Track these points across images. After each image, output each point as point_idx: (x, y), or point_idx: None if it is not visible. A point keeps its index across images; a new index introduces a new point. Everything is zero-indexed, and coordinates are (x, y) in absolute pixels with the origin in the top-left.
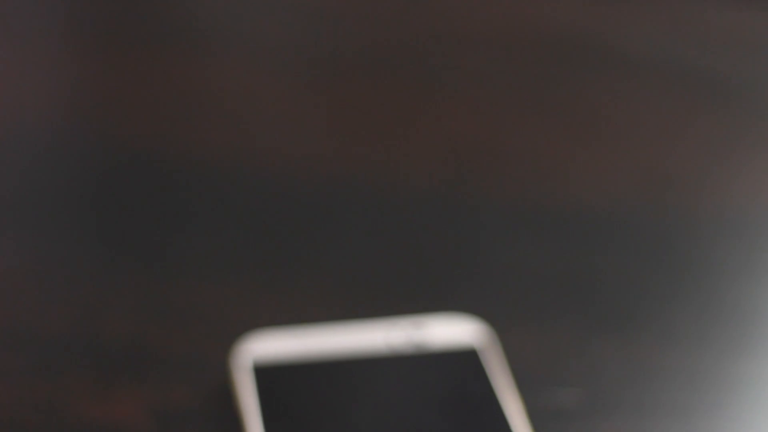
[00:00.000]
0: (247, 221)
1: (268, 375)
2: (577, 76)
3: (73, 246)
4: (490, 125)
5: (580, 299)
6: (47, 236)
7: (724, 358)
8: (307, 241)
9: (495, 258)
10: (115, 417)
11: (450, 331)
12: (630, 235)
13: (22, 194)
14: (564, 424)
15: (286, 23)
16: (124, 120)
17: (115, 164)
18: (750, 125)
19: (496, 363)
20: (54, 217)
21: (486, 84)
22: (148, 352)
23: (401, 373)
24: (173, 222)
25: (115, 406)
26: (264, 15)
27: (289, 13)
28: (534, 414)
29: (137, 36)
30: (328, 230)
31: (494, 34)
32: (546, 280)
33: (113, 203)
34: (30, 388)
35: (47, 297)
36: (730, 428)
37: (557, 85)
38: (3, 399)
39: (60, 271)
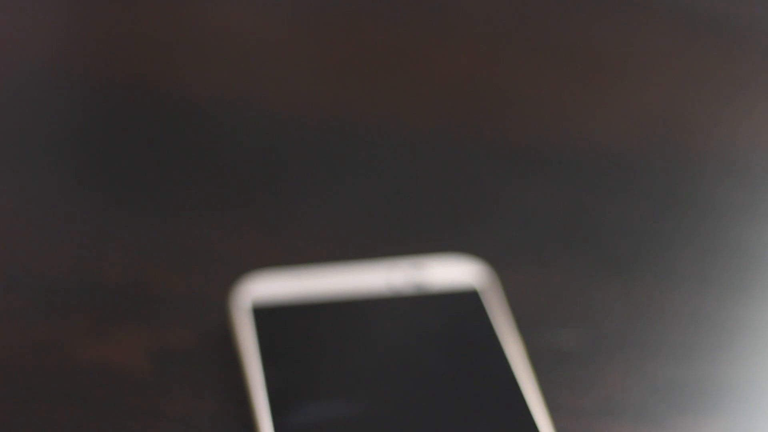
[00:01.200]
0: (247, 163)
1: (267, 316)
2: (580, 16)
3: (71, 188)
4: (491, 66)
5: (582, 241)
6: (45, 178)
7: (726, 300)
8: (307, 183)
9: (496, 199)
10: (113, 358)
11: (450, 271)
12: (633, 177)
13: (20, 137)
14: (566, 365)
15: None
16: (121, 61)
17: (114, 106)
18: (756, 67)
19: (497, 304)
20: (52, 159)
21: (487, 24)
22: (146, 294)
23: (401, 313)
24: (172, 163)
25: (113, 347)
26: None
27: None
28: (535, 355)
29: None
30: (327, 171)
31: None
32: (547, 221)
33: (112, 145)
34: (28, 329)
35: (45, 239)
36: (732, 370)
37: (560, 25)
38: (1, 340)
39: (58, 213)
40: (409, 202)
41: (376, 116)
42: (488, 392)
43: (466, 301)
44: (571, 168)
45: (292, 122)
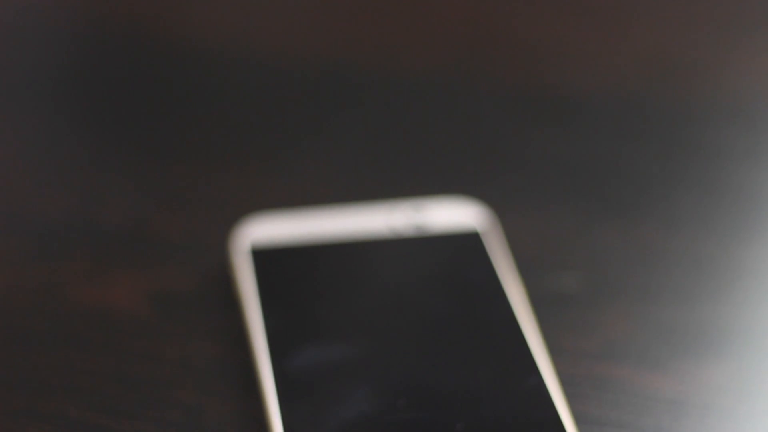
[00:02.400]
0: (247, 105)
1: (266, 258)
2: None
3: (69, 131)
4: (492, 9)
5: (585, 184)
6: (44, 121)
7: (729, 243)
8: (307, 125)
9: (497, 142)
10: (112, 301)
11: (451, 213)
12: (636, 121)
13: (19, 79)
14: (567, 308)
15: None
16: (120, 3)
17: (114, 49)
18: (764, 11)
19: (498, 246)
20: (51, 102)
21: None
22: (145, 237)
23: (402, 255)
24: (171, 106)
25: (112, 290)
26: None
27: None
28: (537, 298)
29: None
30: (328, 114)
31: None
32: (549, 164)
33: (111, 88)
34: (26, 273)
35: (44, 182)
36: (734, 312)
37: None
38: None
39: (57, 157)
40: (411, 145)
41: (378, 59)
42: (489, 335)
43: (467, 243)
44: (573, 111)
45: (292, 65)
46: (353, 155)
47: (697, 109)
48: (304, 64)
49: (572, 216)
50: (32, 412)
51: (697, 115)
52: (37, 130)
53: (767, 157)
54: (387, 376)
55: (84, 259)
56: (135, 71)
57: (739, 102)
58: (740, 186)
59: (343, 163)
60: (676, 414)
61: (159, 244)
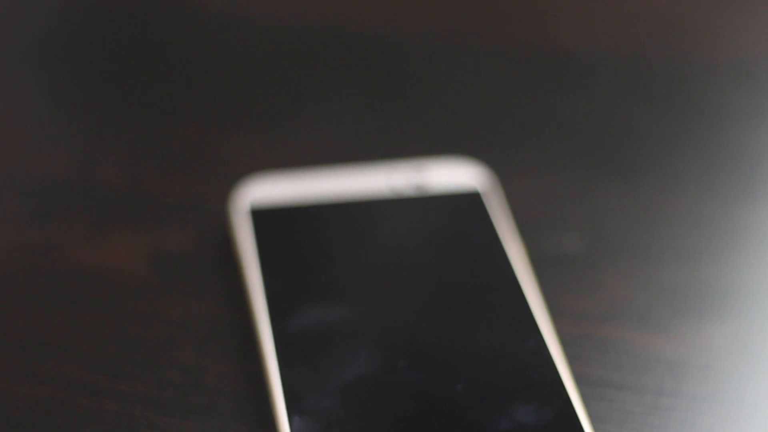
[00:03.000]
0: (246, 66)
1: (266, 218)
2: None
3: (69, 91)
4: None
5: (585, 145)
6: (43, 81)
7: (731, 205)
8: (307, 86)
9: (499, 103)
10: (111, 261)
11: (452, 174)
12: (639, 81)
13: (18, 39)
14: (568, 269)
15: None
16: None
17: (114, 9)
18: None
19: (499, 207)
20: (51, 62)
21: None
22: (144, 197)
23: (402, 215)
24: (172, 67)
25: (111, 250)
26: None
27: None
28: (538, 259)
29: None
30: (327, 75)
31: None
32: (550, 125)
33: (111, 48)
34: (25, 233)
35: (43, 142)
36: (736, 274)
37: None
38: None
39: (56, 116)
40: (411, 106)
41: (378, 19)
42: (489, 295)
43: (468, 203)
44: (576, 71)
45: (292, 26)
46: (353, 116)
47: (699, 71)
48: (304, 24)
49: (573, 177)
50: (31, 373)
51: (700, 76)
52: (36, 90)
53: None
54: (387, 337)
55: (83, 219)
56: (135, 32)
57: (743, 63)
58: (743, 147)
59: (344, 124)
60: (677, 375)
61: (158, 205)
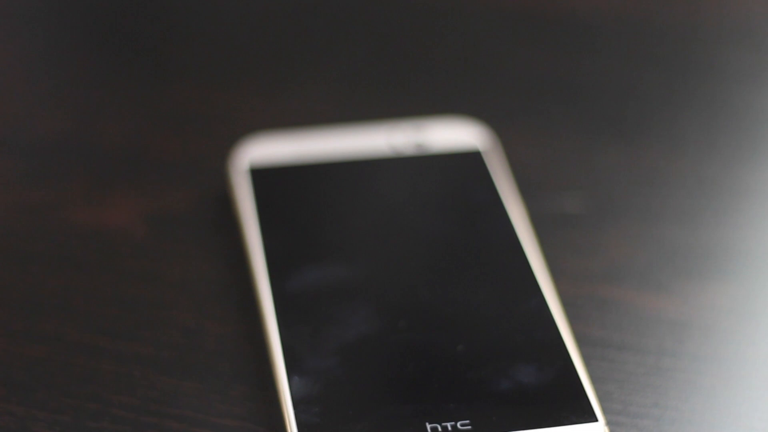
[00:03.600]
0: (246, 25)
1: (265, 178)
2: None
3: (68, 51)
4: None
5: (587, 104)
6: (42, 40)
7: (733, 165)
8: (306, 45)
9: (500, 63)
10: (110, 222)
11: (453, 133)
12: (641, 41)
13: None
14: (569, 229)
15: None
16: None
17: None
18: None
19: (499, 166)
20: (49, 20)
21: None
22: (143, 157)
23: (403, 174)
24: (172, 26)
25: (109, 211)
26: None
27: None
28: (538, 219)
29: None
30: (327, 35)
31: None
32: (550, 84)
33: (110, 7)
34: (23, 193)
35: (41, 102)
36: (738, 234)
37: None
38: None
39: (55, 76)
40: (411, 65)
41: None
42: (490, 255)
43: (469, 162)
44: (578, 31)
45: None
46: (353, 76)
47: (703, 31)
48: None
49: (575, 137)
50: (29, 334)
51: (703, 36)
52: (34, 49)
53: None
54: (387, 297)
55: (81, 180)
56: None
57: (746, 23)
58: (746, 108)
59: (343, 85)
60: (678, 335)
61: (157, 165)
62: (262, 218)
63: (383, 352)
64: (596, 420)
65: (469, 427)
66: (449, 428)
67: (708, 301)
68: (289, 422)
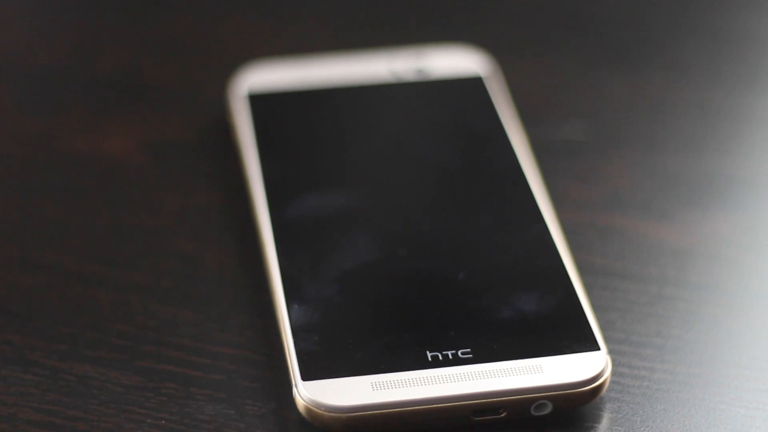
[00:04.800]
0: None
1: (265, 105)
2: None
3: None
4: None
5: (589, 31)
6: None
7: (737, 93)
8: None
9: None
10: (108, 151)
11: (454, 60)
12: None
13: None
14: (571, 156)
15: None
16: None
17: None
18: None
19: (501, 93)
20: None
21: None
22: (141, 85)
23: (404, 100)
24: None
25: (108, 139)
26: None
27: None
28: (540, 146)
29: None
30: None
31: None
32: (551, 10)
33: None
34: (20, 122)
35: (40, 30)
36: (741, 162)
37: None
38: None
39: (51, 5)
40: None
41: None
42: (492, 183)
43: (471, 87)
44: None
45: None
46: (354, 4)
47: None
48: None
49: (577, 64)
50: (26, 262)
51: None
52: None
53: None
54: (387, 225)
55: (79, 108)
56: None
57: None
58: (748, 34)
59: (344, 12)
60: (681, 264)
61: (155, 93)
62: (262, 145)
63: (383, 280)
64: (598, 349)
65: (470, 355)
66: (450, 357)
67: (711, 229)
68: (289, 351)
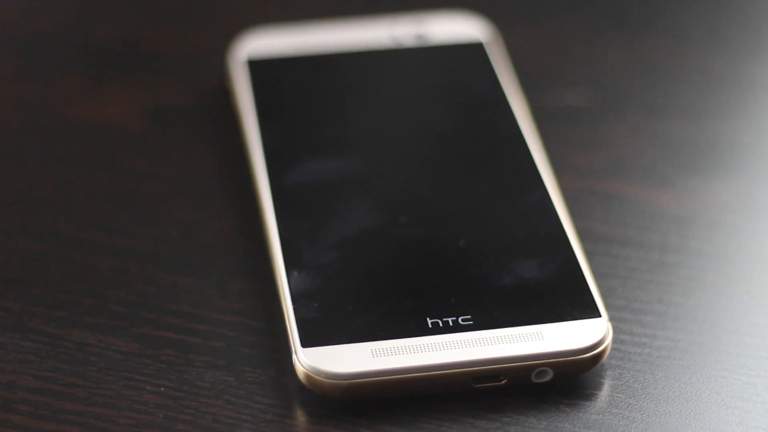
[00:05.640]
0: None
1: (265, 71)
2: None
3: None
4: None
5: None
6: None
7: (739, 60)
8: None
9: None
10: (108, 117)
11: (455, 26)
12: None
13: None
14: (572, 123)
15: None
16: None
17: None
18: None
19: (502, 59)
20: None
21: None
22: (141, 52)
23: (404, 66)
24: None
25: (107, 106)
26: None
27: None
28: (541, 113)
29: None
30: None
31: None
32: None
33: None
34: (20, 88)
35: None
36: (743, 129)
37: None
38: None
39: None
40: None
41: None
42: (492, 149)
43: (471, 53)
44: None
45: None
46: None
47: None
48: None
49: (578, 30)
50: (26, 229)
51: None
52: None
53: None
54: (387, 191)
55: (78, 74)
56: None
57: None
58: (752, 2)
59: None
60: (682, 231)
61: (155, 60)
62: (261, 111)
63: (383, 247)
64: (599, 316)
65: (470, 322)
66: (450, 324)
67: (712, 196)
68: (288, 318)
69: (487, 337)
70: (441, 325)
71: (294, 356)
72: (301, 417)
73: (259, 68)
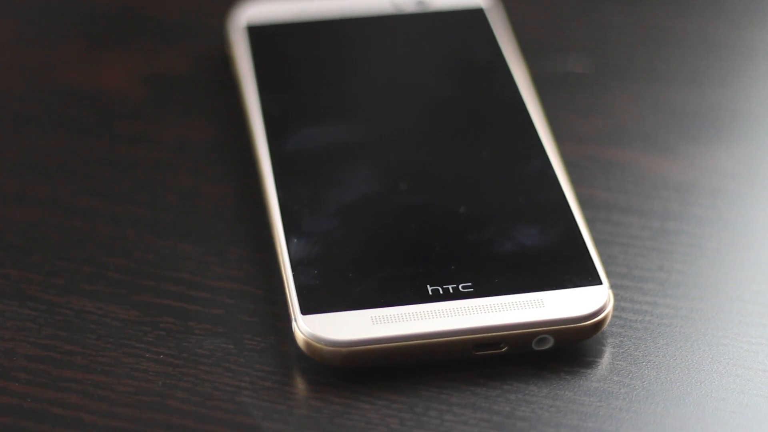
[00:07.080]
0: None
1: (265, 36)
2: None
3: None
4: None
5: None
6: None
7: (741, 26)
8: None
9: None
10: (106, 83)
11: None
12: None
13: None
14: (573, 90)
15: None
16: None
17: None
18: None
19: (502, 25)
20: None
21: None
22: (140, 18)
23: (404, 32)
24: None
25: (105, 72)
26: None
27: None
28: (542, 80)
29: None
30: None
31: None
32: None
33: None
34: (19, 54)
35: None
36: (745, 96)
37: None
38: None
39: None
40: None
41: None
42: (493, 116)
43: (472, 19)
44: None
45: None
46: None
47: None
48: None
49: None
50: (24, 197)
51: None
52: None
53: None
54: (387, 158)
55: (77, 40)
56: None
57: None
58: None
59: None
60: (684, 198)
61: (154, 26)
62: (261, 77)
63: (384, 213)
64: (600, 283)
65: (471, 289)
66: (450, 291)
67: (714, 163)
68: (288, 285)
69: (488, 304)
70: (441, 292)
71: (294, 323)
72: (300, 384)
73: (258, 34)
